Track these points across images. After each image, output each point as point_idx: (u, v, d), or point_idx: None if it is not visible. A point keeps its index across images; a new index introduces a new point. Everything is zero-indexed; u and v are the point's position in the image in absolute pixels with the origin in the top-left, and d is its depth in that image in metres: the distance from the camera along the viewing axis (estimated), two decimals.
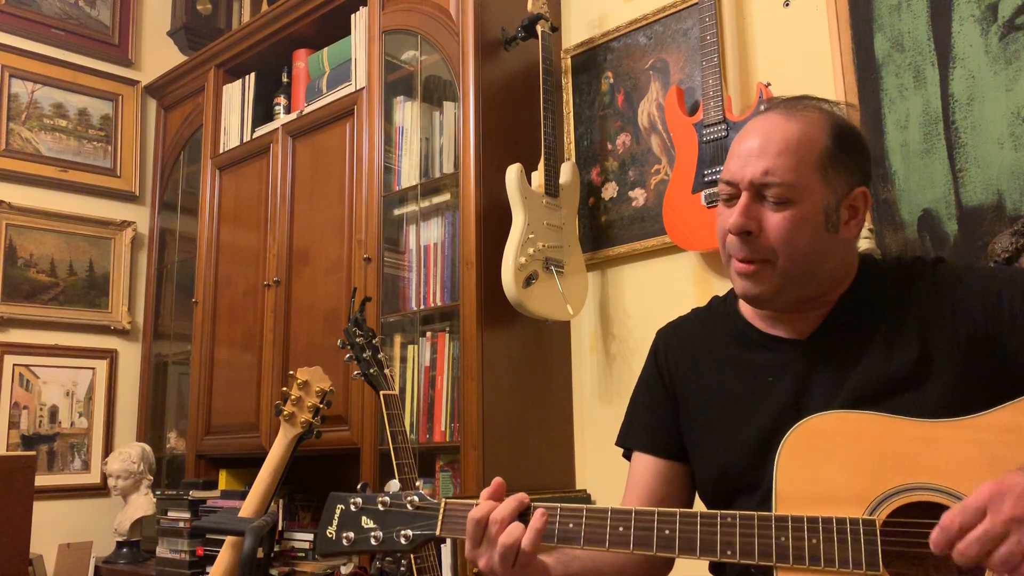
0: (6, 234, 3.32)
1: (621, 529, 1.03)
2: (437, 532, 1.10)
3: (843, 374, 1.11)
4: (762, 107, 1.12)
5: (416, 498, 1.12)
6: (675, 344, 1.31)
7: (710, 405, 1.22)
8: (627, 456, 1.34)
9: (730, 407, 1.19)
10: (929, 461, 0.96)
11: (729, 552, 0.99)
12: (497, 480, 1.10)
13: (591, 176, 2.52)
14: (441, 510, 1.11)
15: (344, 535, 1.12)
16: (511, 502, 1.06)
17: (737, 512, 1.00)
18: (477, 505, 1.07)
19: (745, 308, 1.25)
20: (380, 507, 1.13)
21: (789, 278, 1.12)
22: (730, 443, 1.17)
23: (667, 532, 1.02)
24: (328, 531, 1.13)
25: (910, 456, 0.97)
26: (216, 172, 3.32)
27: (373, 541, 1.11)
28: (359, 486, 1.16)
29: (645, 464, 1.28)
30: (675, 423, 1.27)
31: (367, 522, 1.13)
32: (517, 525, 1.04)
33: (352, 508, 1.14)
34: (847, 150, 1.13)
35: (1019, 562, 0.83)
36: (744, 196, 1.12)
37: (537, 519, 1.04)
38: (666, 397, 1.28)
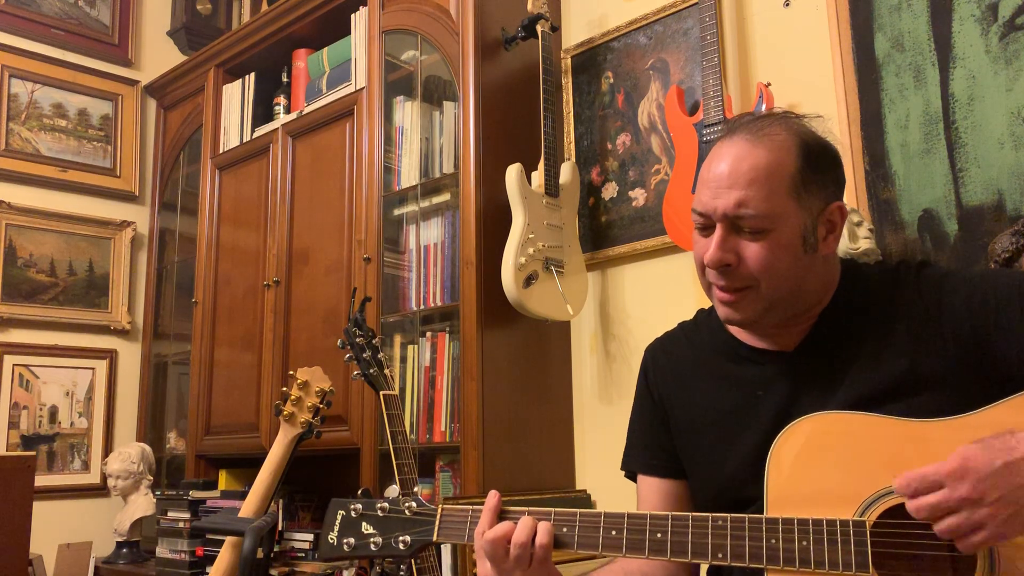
0: (6, 234, 3.32)
1: (614, 533, 1.04)
2: (434, 538, 1.13)
3: (832, 384, 1.10)
4: (720, 128, 1.10)
5: (414, 503, 1.14)
6: (663, 361, 1.31)
7: (701, 422, 1.21)
8: (632, 478, 1.33)
9: (721, 423, 1.18)
10: (920, 461, 0.96)
11: (720, 555, 0.99)
12: (496, 496, 1.11)
13: (591, 176, 2.52)
14: (438, 516, 1.13)
15: (345, 540, 1.15)
16: (528, 522, 1.07)
17: (728, 515, 1.01)
18: (492, 527, 1.08)
19: None
20: (380, 513, 1.15)
21: (773, 302, 1.11)
22: (724, 461, 1.16)
23: (659, 536, 1.02)
24: (330, 537, 1.16)
25: (901, 456, 0.97)
26: (216, 172, 3.32)
27: (373, 547, 1.14)
28: (360, 492, 1.18)
29: (650, 486, 1.28)
30: (672, 441, 1.26)
31: (367, 528, 1.15)
32: (528, 524, 1.06)
33: (352, 514, 1.16)
34: (818, 168, 1.11)
35: (964, 533, 0.87)
36: (719, 229, 1.10)
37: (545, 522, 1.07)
38: (659, 415, 1.28)
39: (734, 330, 1.22)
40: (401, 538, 1.12)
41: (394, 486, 1.18)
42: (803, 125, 1.14)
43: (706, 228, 1.13)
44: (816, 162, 1.11)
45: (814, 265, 1.12)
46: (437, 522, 1.12)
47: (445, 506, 1.13)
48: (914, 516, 0.89)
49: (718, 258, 1.10)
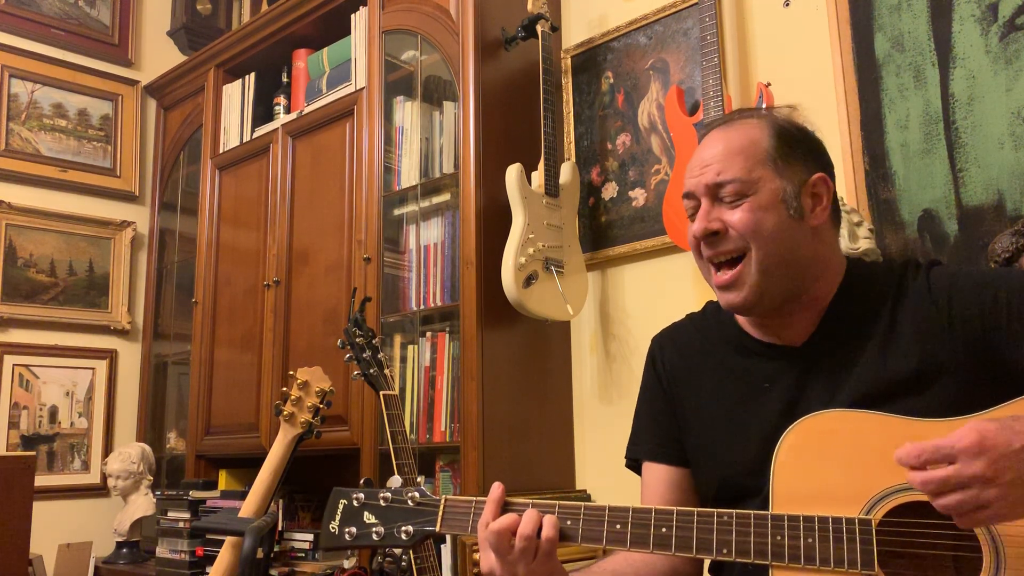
0: (6, 234, 3.32)
1: (618, 527, 1.04)
2: (437, 528, 1.12)
3: (839, 379, 1.10)
4: (702, 131, 1.21)
5: (417, 494, 1.14)
6: (671, 351, 1.31)
7: (708, 414, 1.22)
8: (635, 468, 1.33)
9: (727, 415, 1.19)
10: None
11: (725, 551, 0.99)
12: (499, 487, 1.11)
13: (591, 176, 2.52)
14: (441, 507, 1.12)
15: (347, 530, 1.14)
16: (533, 515, 1.07)
17: (734, 511, 1.01)
18: (497, 518, 1.08)
19: (739, 316, 1.25)
20: (382, 502, 1.14)
21: (766, 272, 1.12)
22: (729, 452, 1.17)
23: (664, 530, 1.02)
24: (331, 525, 1.15)
25: None
26: (216, 172, 3.31)
27: (375, 536, 1.13)
28: (362, 481, 1.18)
29: (656, 473, 1.28)
30: (678, 430, 1.26)
31: (369, 517, 1.14)
32: (534, 517, 1.06)
33: (355, 503, 1.15)
34: (792, 143, 1.17)
35: (967, 511, 0.85)
36: (703, 203, 1.15)
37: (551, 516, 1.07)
38: (667, 403, 1.28)
39: (743, 323, 1.23)
40: (403, 528, 1.12)
41: (396, 476, 1.18)
42: (773, 113, 1.21)
43: (695, 211, 1.18)
44: (789, 138, 1.17)
45: (803, 234, 1.14)
46: (440, 513, 1.12)
47: (448, 497, 1.13)
48: (918, 488, 0.88)
49: (703, 227, 1.15)
